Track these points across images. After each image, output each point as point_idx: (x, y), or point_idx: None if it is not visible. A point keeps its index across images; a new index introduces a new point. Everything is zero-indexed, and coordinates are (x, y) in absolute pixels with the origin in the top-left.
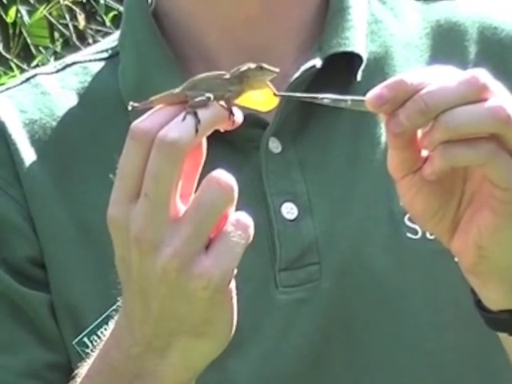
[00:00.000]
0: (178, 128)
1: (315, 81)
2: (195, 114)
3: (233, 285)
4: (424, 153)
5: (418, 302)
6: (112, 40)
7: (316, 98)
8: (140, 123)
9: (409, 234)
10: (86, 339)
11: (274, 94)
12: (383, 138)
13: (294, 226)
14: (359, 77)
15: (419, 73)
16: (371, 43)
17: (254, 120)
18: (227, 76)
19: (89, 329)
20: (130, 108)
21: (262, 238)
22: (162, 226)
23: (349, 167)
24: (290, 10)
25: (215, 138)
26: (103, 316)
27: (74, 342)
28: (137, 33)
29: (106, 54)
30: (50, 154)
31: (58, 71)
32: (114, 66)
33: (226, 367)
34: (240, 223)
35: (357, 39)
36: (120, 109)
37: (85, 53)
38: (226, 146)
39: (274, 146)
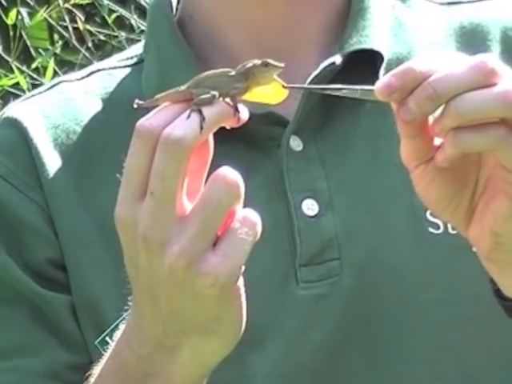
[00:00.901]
0: (183, 126)
1: (337, 79)
2: (200, 112)
3: (241, 283)
4: (437, 141)
5: (439, 297)
6: (138, 47)
7: (325, 88)
8: (145, 121)
9: (430, 229)
10: (108, 339)
11: (283, 86)
12: None
13: (315, 222)
14: (381, 75)
15: (427, 60)
16: (394, 44)
17: (274, 118)
18: (233, 73)
19: (110, 328)
20: (135, 106)
21: (282, 234)
22: (169, 225)
23: (370, 164)
24: (313, 13)
25: (236, 137)
26: (124, 315)
27: (96, 342)
28: (160, 37)
29: (131, 61)
30: (72, 158)
31: (82, 78)
32: (138, 72)
33: (247, 363)
34: (247, 220)
35: (377, 37)
36: (143, 113)
37: (111, 60)
38: (247, 145)
39: (295, 144)
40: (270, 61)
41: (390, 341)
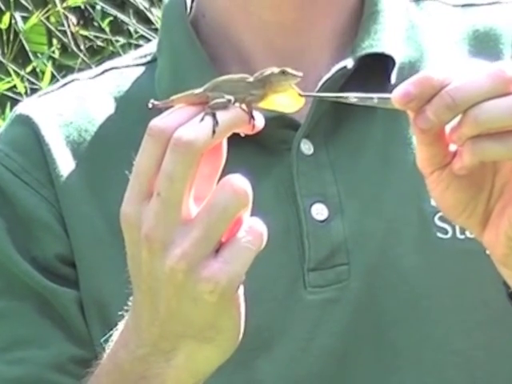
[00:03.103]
0: (195, 128)
1: (348, 83)
2: (214, 116)
3: (241, 292)
4: (452, 147)
5: (447, 302)
6: (152, 46)
7: (342, 97)
8: (158, 121)
9: (439, 234)
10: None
11: (300, 95)
12: (415, 140)
13: (324, 227)
14: (393, 79)
15: (445, 68)
16: (407, 47)
17: (286, 122)
18: (250, 79)
19: (116, 327)
20: (150, 106)
21: (291, 238)
22: (173, 227)
23: (380, 169)
24: (325, 16)
25: (247, 140)
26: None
27: (102, 340)
28: (173, 37)
29: (144, 60)
30: (84, 155)
31: (95, 76)
32: (152, 70)
33: (255, 367)
34: (253, 230)
35: (389, 41)
36: (155, 112)
37: (124, 58)
38: (259, 148)
39: (306, 147)
40: (289, 69)
41: (398, 345)
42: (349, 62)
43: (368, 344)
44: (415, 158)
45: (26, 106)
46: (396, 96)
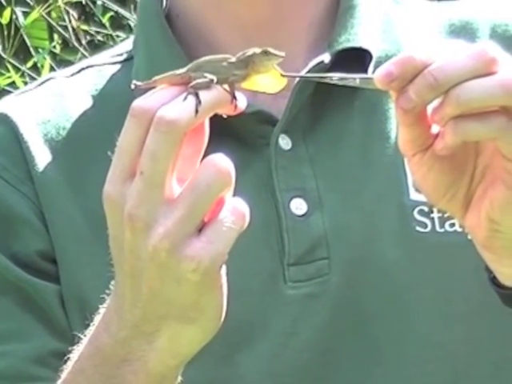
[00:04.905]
0: (178, 108)
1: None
2: (197, 95)
3: (223, 272)
4: (434, 129)
5: (428, 295)
6: (129, 44)
7: (324, 77)
8: (141, 101)
9: (418, 228)
10: None
11: (281, 75)
12: (393, 134)
13: (303, 222)
14: (370, 73)
15: (427, 48)
16: (383, 41)
17: (264, 117)
18: (233, 60)
19: None
20: (132, 87)
21: (271, 233)
22: (156, 206)
23: (359, 163)
24: (300, 10)
25: (227, 134)
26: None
27: (83, 335)
28: (149, 34)
29: (121, 58)
30: (62, 153)
31: (72, 75)
32: (129, 68)
33: (236, 362)
34: (235, 210)
35: (366, 35)
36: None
37: (101, 56)
38: (238, 143)
39: (284, 142)
40: (271, 49)
41: (379, 339)
42: (326, 57)
43: (350, 338)
44: (394, 152)
45: (4, 105)
46: (378, 76)
